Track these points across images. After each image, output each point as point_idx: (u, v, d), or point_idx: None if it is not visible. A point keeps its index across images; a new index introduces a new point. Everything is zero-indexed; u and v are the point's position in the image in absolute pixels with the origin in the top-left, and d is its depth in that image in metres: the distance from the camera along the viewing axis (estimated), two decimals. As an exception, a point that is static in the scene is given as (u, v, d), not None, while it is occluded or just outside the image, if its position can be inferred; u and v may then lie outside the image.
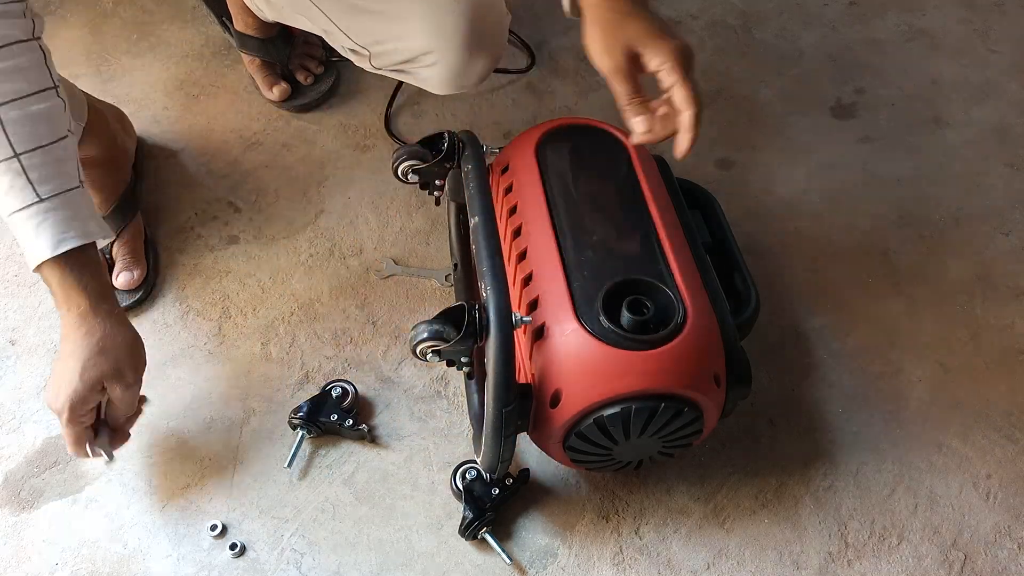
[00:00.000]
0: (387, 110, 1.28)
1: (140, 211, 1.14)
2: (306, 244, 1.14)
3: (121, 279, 1.08)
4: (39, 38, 0.81)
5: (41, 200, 0.78)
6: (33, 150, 0.78)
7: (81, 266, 0.81)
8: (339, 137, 1.26)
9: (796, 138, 1.27)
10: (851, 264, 1.13)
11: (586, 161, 0.95)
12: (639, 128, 0.80)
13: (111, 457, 0.91)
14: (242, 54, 1.29)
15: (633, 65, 0.80)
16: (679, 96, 0.77)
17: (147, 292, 1.09)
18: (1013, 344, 1.06)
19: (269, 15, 1.16)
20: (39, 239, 0.78)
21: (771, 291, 1.10)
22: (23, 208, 0.78)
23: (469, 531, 0.89)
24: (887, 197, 1.20)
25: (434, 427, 0.99)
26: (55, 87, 0.81)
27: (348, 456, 0.97)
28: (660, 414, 0.79)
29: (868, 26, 1.42)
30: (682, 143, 0.79)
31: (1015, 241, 1.15)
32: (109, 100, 1.18)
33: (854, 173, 1.23)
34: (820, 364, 1.04)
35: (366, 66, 1.06)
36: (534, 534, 0.92)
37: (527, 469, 0.93)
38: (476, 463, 0.92)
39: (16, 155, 0.77)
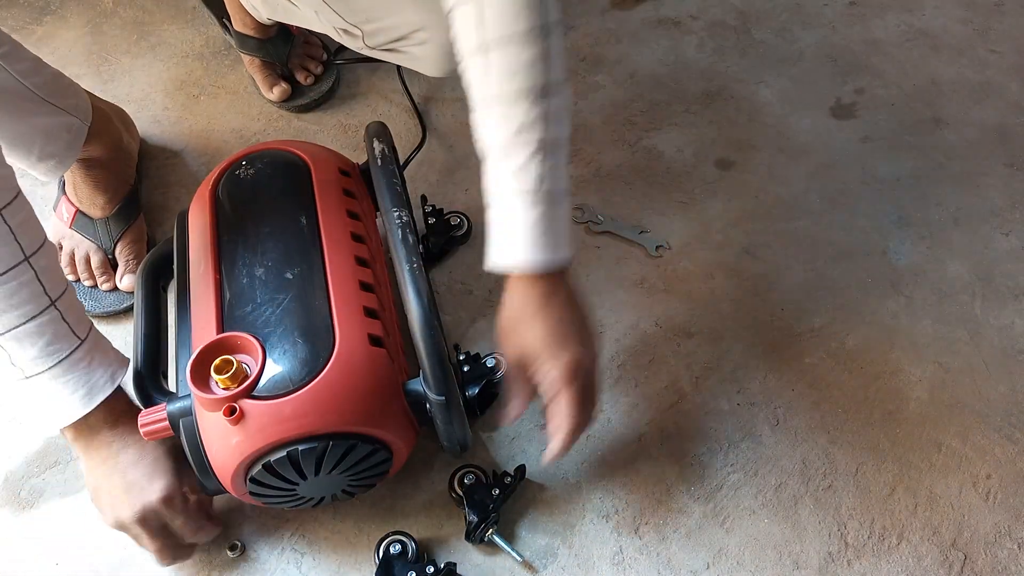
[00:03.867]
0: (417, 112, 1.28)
1: (143, 212, 1.14)
2: (306, 244, 1.14)
3: (125, 282, 1.08)
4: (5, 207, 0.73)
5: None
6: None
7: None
8: (339, 137, 1.26)
9: (796, 138, 1.27)
10: (851, 264, 1.13)
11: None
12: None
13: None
14: (242, 54, 1.29)
15: (524, 371, 0.77)
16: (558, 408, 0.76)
17: (147, 293, 1.09)
18: (1013, 344, 1.06)
19: (264, 13, 1.16)
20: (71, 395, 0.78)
21: (771, 291, 1.10)
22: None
23: (476, 534, 0.89)
24: (887, 197, 1.20)
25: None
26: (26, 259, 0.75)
27: (348, 456, 0.97)
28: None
29: (868, 26, 1.42)
30: (550, 450, 0.78)
31: (1015, 241, 1.15)
32: (109, 100, 1.18)
33: (854, 173, 1.22)
34: (820, 364, 1.04)
35: (359, 47, 1.05)
36: (534, 534, 0.92)
37: (523, 465, 0.93)
38: (472, 467, 0.93)
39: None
